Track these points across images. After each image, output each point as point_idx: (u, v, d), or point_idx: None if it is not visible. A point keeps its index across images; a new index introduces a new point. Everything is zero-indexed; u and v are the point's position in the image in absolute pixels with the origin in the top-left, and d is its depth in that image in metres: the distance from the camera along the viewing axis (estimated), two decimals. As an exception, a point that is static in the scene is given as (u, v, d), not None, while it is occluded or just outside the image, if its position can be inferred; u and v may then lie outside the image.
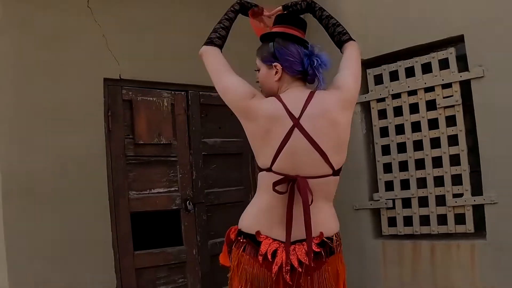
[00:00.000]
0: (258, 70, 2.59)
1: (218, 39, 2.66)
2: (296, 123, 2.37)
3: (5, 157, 3.57)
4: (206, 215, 4.55)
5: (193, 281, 4.39)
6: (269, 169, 2.38)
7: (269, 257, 2.35)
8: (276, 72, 2.50)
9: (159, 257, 4.25)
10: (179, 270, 4.35)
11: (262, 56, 2.55)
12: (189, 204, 4.41)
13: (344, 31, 2.73)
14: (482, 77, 4.06)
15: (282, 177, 2.34)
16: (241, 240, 2.46)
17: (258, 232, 2.40)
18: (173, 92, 4.41)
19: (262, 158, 2.42)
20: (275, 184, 2.33)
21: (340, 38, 2.70)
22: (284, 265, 2.33)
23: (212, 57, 2.61)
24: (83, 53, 3.93)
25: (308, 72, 2.50)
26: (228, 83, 2.53)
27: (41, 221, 3.63)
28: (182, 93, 4.48)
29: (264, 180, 2.42)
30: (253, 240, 2.41)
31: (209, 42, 2.65)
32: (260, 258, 2.37)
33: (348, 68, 2.59)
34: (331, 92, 2.49)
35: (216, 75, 2.58)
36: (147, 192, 4.22)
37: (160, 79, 4.33)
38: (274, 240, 2.38)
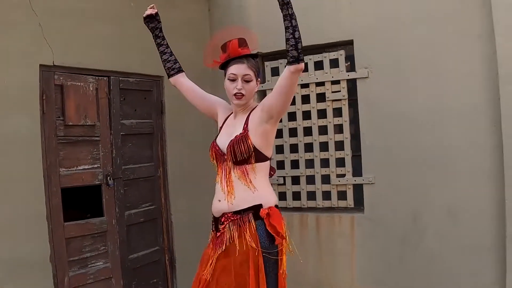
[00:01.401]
0: (248, 81, 3.07)
1: None
2: None
3: None
4: (123, 189, 4.99)
5: (113, 248, 4.84)
6: (270, 158, 3.13)
7: None
8: (256, 86, 3.15)
9: (85, 228, 4.63)
10: (101, 238, 4.77)
11: (257, 71, 3.14)
12: (110, 179, 4.82)
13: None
14: (366, 77, 4.92)
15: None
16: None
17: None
18: (97, 77, 4.76)
19: (270, 151, 3.14)
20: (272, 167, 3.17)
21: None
22: None
23: None
24: (22, 40, 4.17)
25: None
26: None
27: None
28: (105, 78, 4.84)
29: (267, 166, 3.12)
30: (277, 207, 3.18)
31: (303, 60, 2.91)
32: None
33: None
34: None
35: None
36: (75, 168, 4.58)
37: (86, 66, 4.66)
38: None
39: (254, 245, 2.96)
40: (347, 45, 5.11)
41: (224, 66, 3.20)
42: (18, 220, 4.11)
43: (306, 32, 5.10)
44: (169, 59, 3.45)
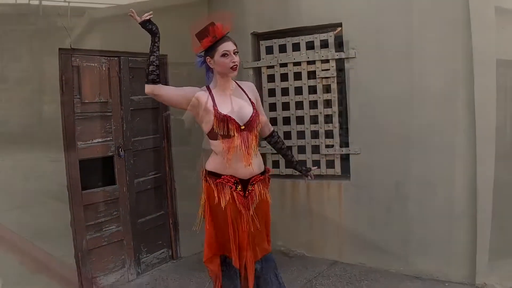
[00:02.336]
0: (236, 53, 3.65)
1: None
2: None
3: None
4: (132, 159, 5.46)
5: (124, 213, 5.35)
6: None
7: None
8: None
9: (99, 195, 5.12)
10: (114, 204, 5.26)
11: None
12: (121, 150, 5.29)
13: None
14: (353, 57, 5.36)
15: None
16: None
17: None
18: (109, 58, 5.17)
19: None
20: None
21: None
22: None
23: None
24: (43, 27, 4.59)
25: None
26: None
27: (13, 173, 4.37)
28: (115, 59, 5.25)
29: None
30: None
31: None
32: None
33: None
34: None
35: None
36: (90, 142, 5.03)
37: (99, 47, 5.08)
38: None
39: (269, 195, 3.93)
40: (336, 27, 5.53)
41: (209, 47, 3.69)
42: (43, 190, 4.59)
43: (300, 15, 5.66)
44: (158, 66, 3.68)
